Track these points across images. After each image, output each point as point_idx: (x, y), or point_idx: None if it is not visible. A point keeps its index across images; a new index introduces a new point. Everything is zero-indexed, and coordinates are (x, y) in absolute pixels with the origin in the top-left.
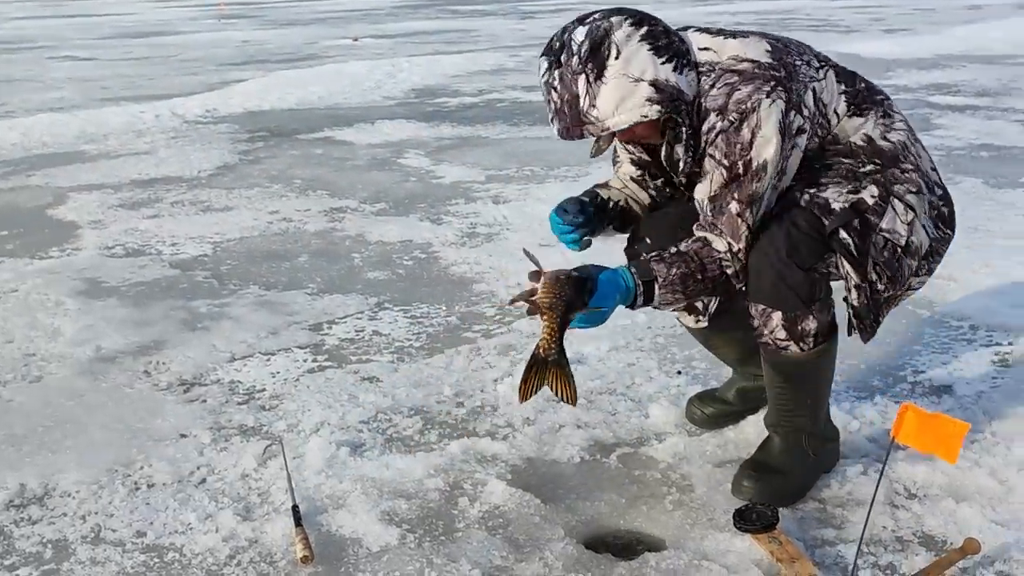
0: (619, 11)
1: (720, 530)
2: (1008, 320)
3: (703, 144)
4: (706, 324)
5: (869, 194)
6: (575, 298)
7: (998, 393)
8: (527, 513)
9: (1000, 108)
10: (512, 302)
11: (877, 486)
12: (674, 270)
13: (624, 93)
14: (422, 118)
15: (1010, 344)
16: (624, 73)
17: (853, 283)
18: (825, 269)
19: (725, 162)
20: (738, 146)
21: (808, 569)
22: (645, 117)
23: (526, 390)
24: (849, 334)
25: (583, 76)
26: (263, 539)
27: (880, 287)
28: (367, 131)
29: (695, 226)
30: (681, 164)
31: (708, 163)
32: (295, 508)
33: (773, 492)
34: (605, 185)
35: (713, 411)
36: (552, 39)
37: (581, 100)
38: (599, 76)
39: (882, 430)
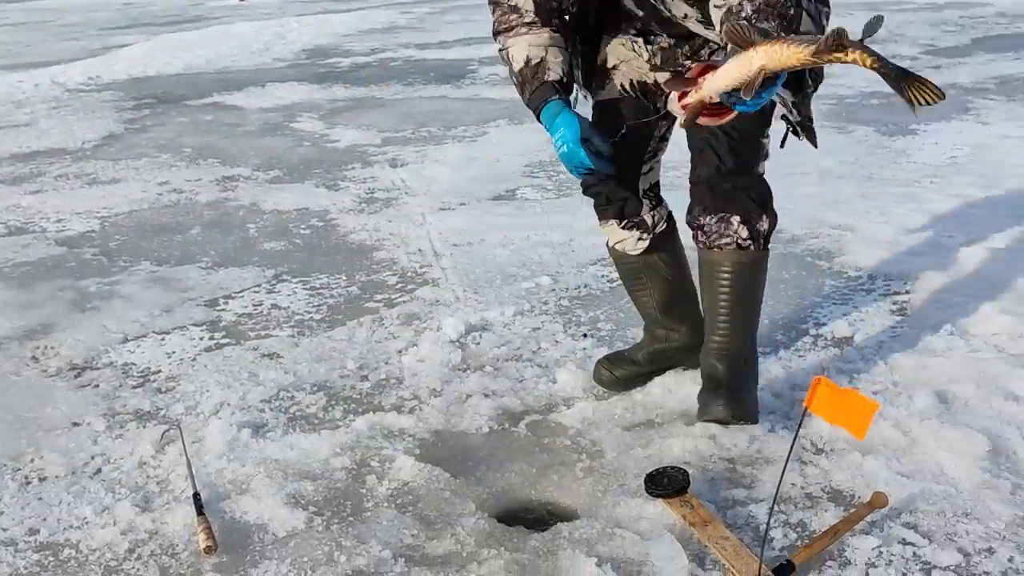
0: None
1: (632, 496)
2: (906, 268)
3: None
4: (647, 245)
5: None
6: None
7: (898, 343)
8: (437, 488)
9: (887, 55)
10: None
11: (788, 455)
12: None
13: None
14: (314, 80)
15: (908, 293)
16: None
17: (791, 102)
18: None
19: None
20: None
21: (720, 531)
22: None
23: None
24: (782, 146)
25: None
26: (164, 530)
27: (809, 89)
28: (257, 95)
29: None
30: None
31: None
32: (196, 496)
33: (744, 409)
34: (543, 69)
35: (623, 373)
36: None
37: None
38: None
39: (787, 386)
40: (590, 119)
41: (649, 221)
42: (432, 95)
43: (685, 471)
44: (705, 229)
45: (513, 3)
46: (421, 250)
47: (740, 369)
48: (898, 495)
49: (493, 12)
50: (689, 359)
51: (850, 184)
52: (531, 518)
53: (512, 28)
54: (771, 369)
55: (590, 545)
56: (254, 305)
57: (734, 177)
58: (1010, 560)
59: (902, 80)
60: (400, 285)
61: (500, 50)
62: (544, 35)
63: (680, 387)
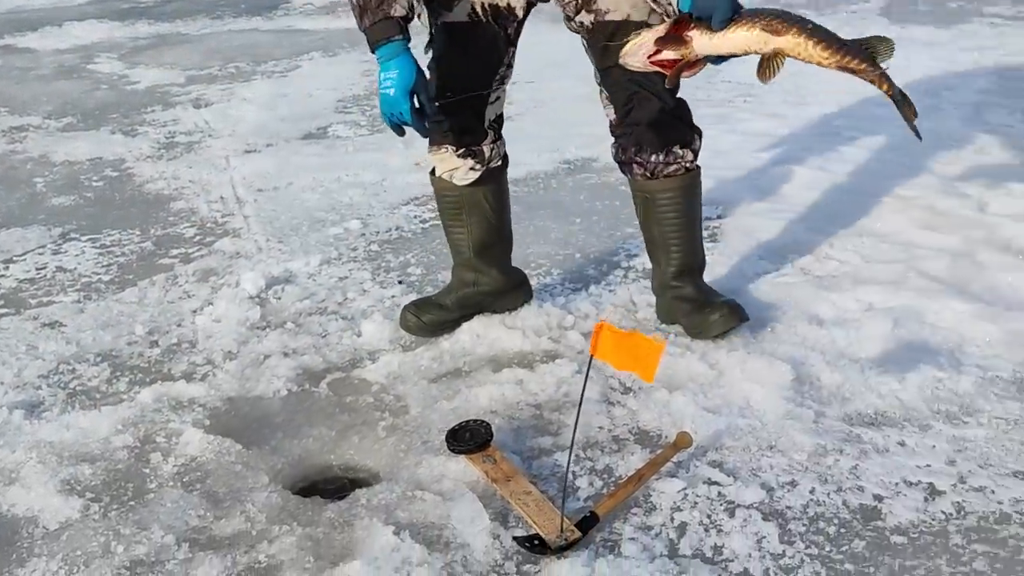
0: None
1: (435, 453)
2: (717, 193)
3: None
4: (477, 176)
5: None
6: None
7: (707, 272)
8: (228, 462)
9: None
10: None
11: (580, 404)
12: None
13: None
14: (116, 17)
15: (719, 218)
16: None
17: None
18: None
19: None
20: None
21: (523, 486)
22: None
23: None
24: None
25: None
26: None
27: None
28: (53, 35)
29: None
30: None
31: None
32: None
33: (739, 311)
34: (388, 1)
35: (430, 318)
36: None
37: None
38: None
39: (596, 321)
40: (433, 45)
41: (487, 153)
42: (242, 28)
43: (488, 424)
44: (648, 165)
45: None
46: (223, 198)
47: (704, 282)
48: (704, 432)
49: None
50: (498, 304)
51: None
52: (330, 486)
53: None
54: (580, 306)
55: (389, 511)
56: (37, 269)
57: (674, 111)
58: (812, 492)
59: (905, 106)
60: (198, 238)
61: None
62: None
63: (489, 332)
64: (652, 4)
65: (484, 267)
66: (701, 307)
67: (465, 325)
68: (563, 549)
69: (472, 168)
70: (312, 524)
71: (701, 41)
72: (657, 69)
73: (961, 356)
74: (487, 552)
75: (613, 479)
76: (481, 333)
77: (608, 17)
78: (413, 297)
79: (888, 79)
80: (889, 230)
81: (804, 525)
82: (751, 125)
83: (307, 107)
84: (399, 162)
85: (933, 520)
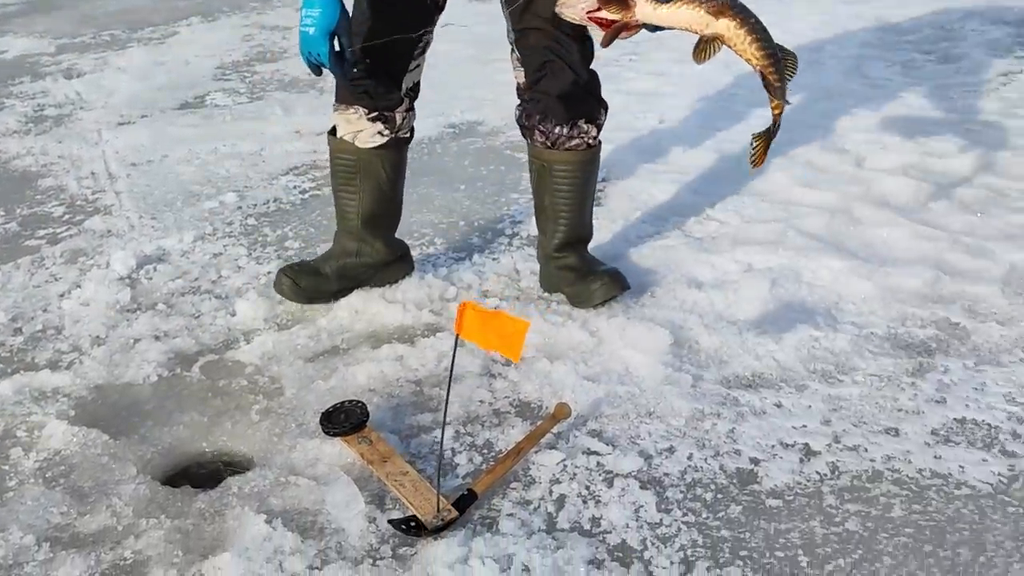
0: None
1: (310, 436)
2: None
3: None
4: (382, 142)
5: None
6: None
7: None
8: (94, 454)
9: None
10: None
11: (449, 383)
12: None
13: None
14: None
15: (603, 180)
16: None
17: None
18: None
19: None
20: None
21: (399, 467)
22: None
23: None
24: None
25: None
26: None
27: None
28: None
29: None
30: None
31: None
32: None
33: (621, 279)
34: None
35: (307, 284)
36: None
37: None
38: None
39: (478, 293)
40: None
41: (398, 120)
42: None
43: (363, 404)
44: (551, 135)
45: None
46: (94, 173)
47: (588, 252)
48: (584, 401)
49: None
50: (378, 277)
51: None
52: (203, 473)
53: None
54: (464, 277)
55: (261, 499)
56: None
57: (586, 84)
58: (689, 458)
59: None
60: (67, 216)
61: None
62: None
63: (368, 306)
64: None
65: (369, 238)
66: (583, 276)
67: (343, 300)
68: (440, 530)
69: (380, 132)
70: (181, 516)
71: (645, 9)
72: (593, 24)
73: (837, 314)
74: (362, 536)
75: (493, 454)
76: (360, 308)
77: None
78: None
79: (782, 108)
80: (769, 188)
81: (681, 492)
82: (636, 84)
83: (184, 75)
84: (278, 130)
85: (808, 481)
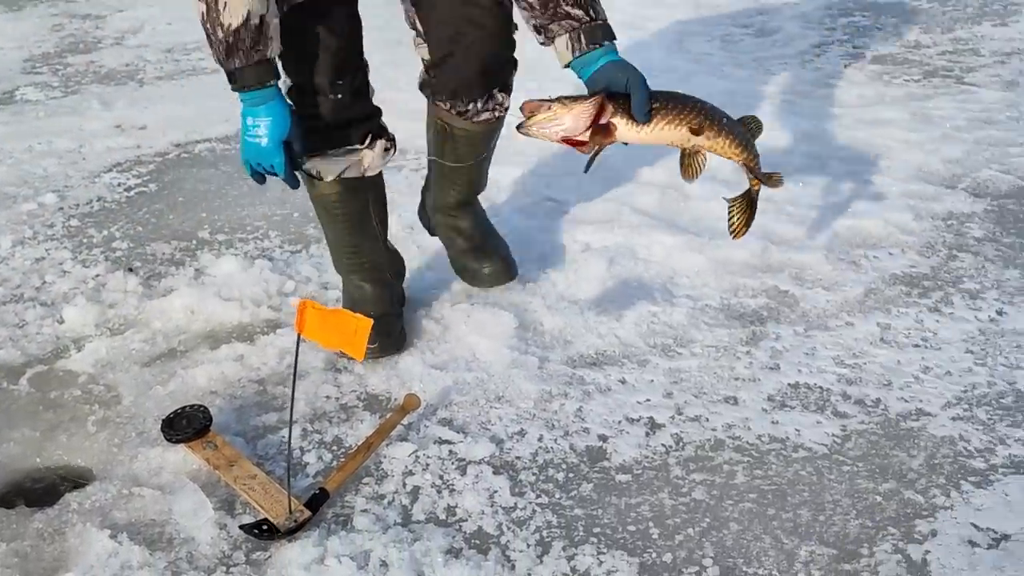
0: None
1: (152, 445)
2: None
3: None
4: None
5: None
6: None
7: None
8: None
9: None
10: None
11: (293, 389)
12: None
13: None
14: None
15: None
16: None
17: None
18: None
19: None
20: None
21: (247, 470)
22: None
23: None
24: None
25: None
26: None
27: None
28: None
29: None
30: None
31: None
32: None
33: (512, 267)
34: (265, 38)
35: (390, 336)
36: None
37: None
38: None
39: (319, 286)
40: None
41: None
42: None
43: (205, 408)
44: (461, 110)
45: None
46: None
47: (487, 226)
48: (432, 390)
49: None
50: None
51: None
52: (39, 490)
53: None
54: (302, 270)
55: (104, 513)
56: None
57: (502, 52)
58: (540, 440)
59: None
60: None
61: None
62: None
63: (204, 305)
64: None
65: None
66: (476, 253)
67: (177, 301)
68: (293, 531)
69: (386, 148)
70: (18, 538)
71: (625, 132)
72: (567, 145)
73: (673, 288)
74: (213, 544)
75: (343, 450)
76: (195, 308)
77: None
78: (119, 273)
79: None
80: (603, 167)
81: (534, 475)
82: None
83: None
84: (97, 126)
85: (654, 455)
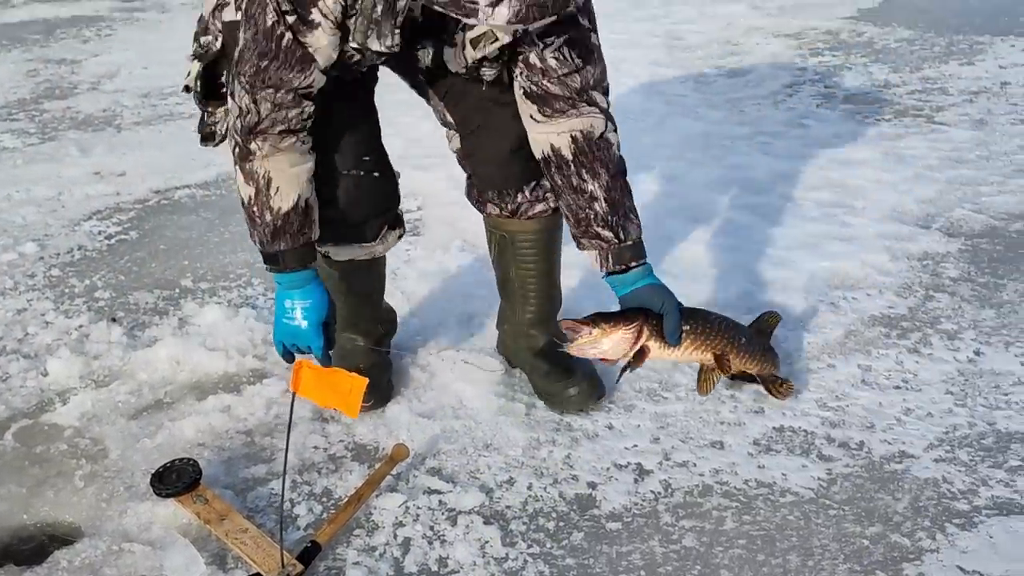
0: None
1: (141, 499)
2: (414, 184)
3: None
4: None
5: None
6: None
7: (411, 268)
8: None
9: None
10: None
11: (287, 445)
12: (629, 203)
13: None
14: None
15: (419, 208)
16: None
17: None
18: None
19: (589, 46)
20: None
21: (238, 524)
22: None
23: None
24: None
25: None
26: None
27: None
28: None
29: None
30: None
31: (561, 52)
32: None
33: (598, 386)
34: (309, 222)
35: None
36: None
37: None
38: None
39: None
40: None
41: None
42: None
43: (195, 462)
44: (510, 206)
45: (306, 86)
46: None
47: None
48: (421, 439)
49: (255, 101)
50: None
51: None
52: (27, 549)
53: (285, 132)
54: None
55: (94, 570)
56: None
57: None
58: (529, 488)
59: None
60: None
61: (249, 163)
62: (306, 151)
63: (189, 356)
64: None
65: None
66: (558, 374)
67: (162, 351)
68: None
69: (399, 236)
70: None
71: (657, 352)
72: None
73: None
74: None
75: (333, 502)
76: (181, 358)
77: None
78: (101, 323)
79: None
80: None
81: (524, 524)
82: None
83: None
84: (76, 172)
85: (644, 501)
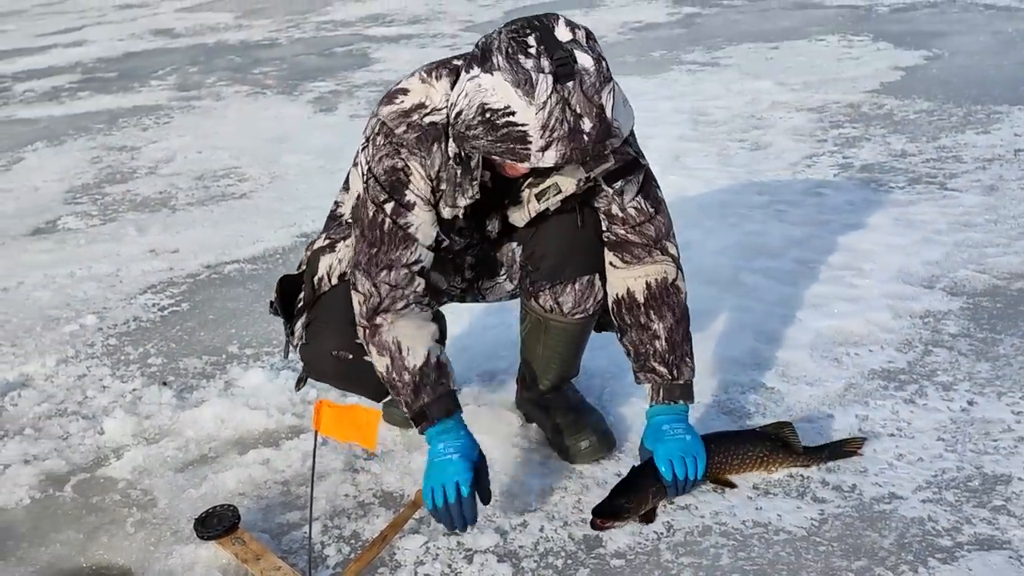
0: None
1: (185, 542)
2: None
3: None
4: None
5: None
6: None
7: None
8: None
9: (430, 35)
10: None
11: (312, 479)
12: (687, 347)
13: (622, 99)
14: None
15: None
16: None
17: None
18: None
19: (658, 196)
20: (657, 188)
21: (272, 563)
22: (630, 128)
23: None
24: None
25: (608, 84)
26: None
27: None
28: None
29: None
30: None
31: (639, 202)
32: None
33: (609, 438)
34: (446, 373)
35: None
36: (521, 49)
37: (608, 110)
38: (610, 80)
39: (340, 392)
40: None
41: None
42: None
43: (234, 508)
44: (562, 304)
45: (414, 261)
46: None
47: (582, 403)
48: None
49: (375, 285)
50: None
51: None
52: None
53: (406, 307)
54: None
55: None
56: None
57: (591, 238)
58: (541, 530)
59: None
60: None
61: (378, 336)
62: (428, 318)
63: (233, 414)
64: None
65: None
66: (570, 429)
67: (208, 411)
68: None
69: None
70: None
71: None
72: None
73: None
74: None
75: (360, 543)
76: (225, 417)
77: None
78: (172, 393)
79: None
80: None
81: (535, 561)
82: None
83: (33, 201)
84: (133, 250)
85: (647, 541)
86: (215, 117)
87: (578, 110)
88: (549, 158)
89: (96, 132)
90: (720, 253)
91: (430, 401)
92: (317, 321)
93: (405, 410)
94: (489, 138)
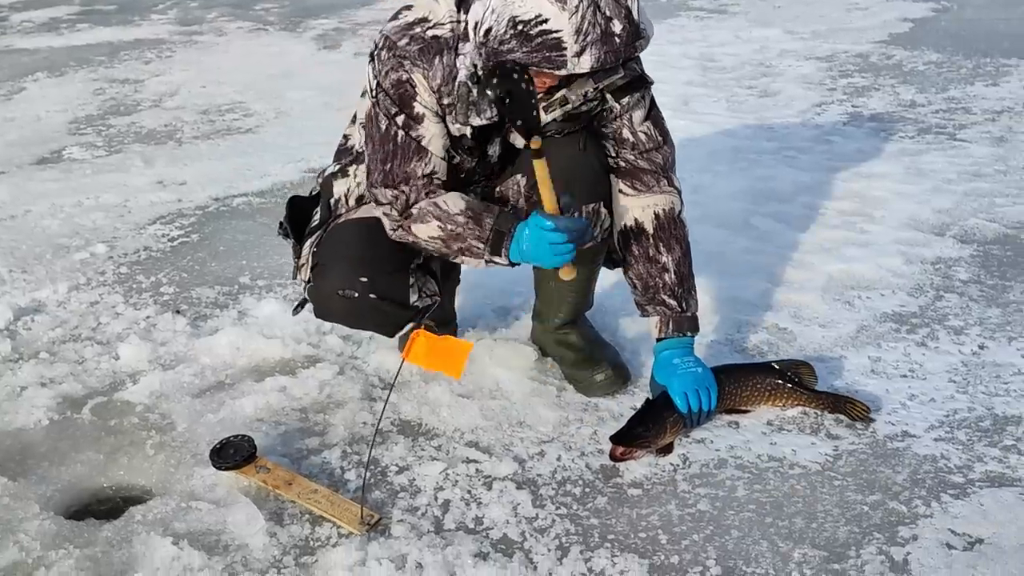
0: None
1: (206, 465)
2: None
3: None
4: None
5: None
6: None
7: None
8: None
9: None
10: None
11: (384, 404)
12: (692, 280)
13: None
14: None
15: None
16: None
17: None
18: None
19: (665, 127)
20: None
21: (307, 486)
22: (652, 35)
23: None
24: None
25: None
26: None
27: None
28: None
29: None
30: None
31: (648, 127)
32: None
33: (624, 372)
34: (487, 204)
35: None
36: None
37: (634, 12)
38: None
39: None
40: None
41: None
42: None
43: (250, 438)
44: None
45: (429, 173)
46: None
47: (596, 336)
48: (459, 416)
49: (399, 192)
50: None
51: None
52: (103, 508)
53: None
54: None
55: (166, 524)
56: None
57: (598, 163)
58: (558, 459)
59: (844, 407)
60: None
61: (418, 216)
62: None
63: (249, 343)
64: None
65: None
66: (586, 362)
67: (223, 339)
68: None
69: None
70: (90, 545)
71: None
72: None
73: None
74: (265, 550)
75: (379, 469)
76: (241, 345)
77: None
78: (169, 315)
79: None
80: None
81: (553, 489)
82: None
83: (37, 131)
84: (140, 182)
85: (663, 472)
86: (218, 53)
87: (608, 12)
88: (585, 63)
89: (97, 64)
90: (731, 197)
91: (495, 219)
92: (321, 263)
93: (478, 250)
94: (524, 50)
